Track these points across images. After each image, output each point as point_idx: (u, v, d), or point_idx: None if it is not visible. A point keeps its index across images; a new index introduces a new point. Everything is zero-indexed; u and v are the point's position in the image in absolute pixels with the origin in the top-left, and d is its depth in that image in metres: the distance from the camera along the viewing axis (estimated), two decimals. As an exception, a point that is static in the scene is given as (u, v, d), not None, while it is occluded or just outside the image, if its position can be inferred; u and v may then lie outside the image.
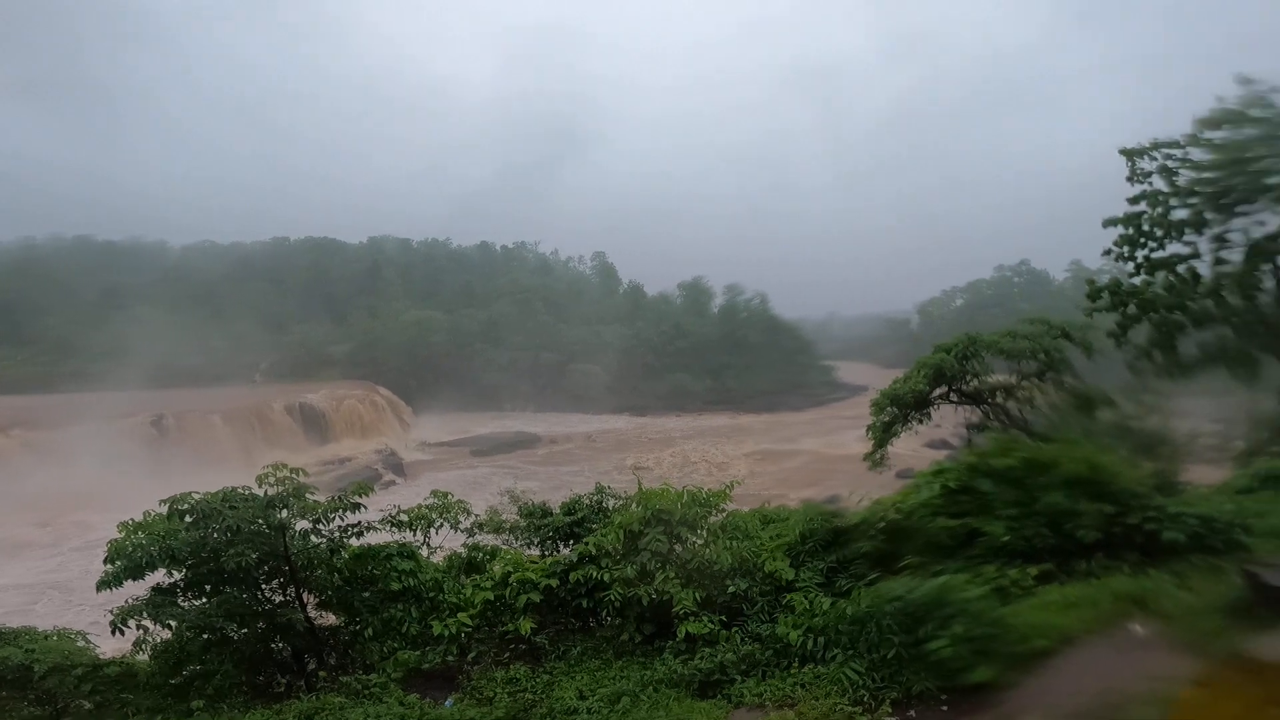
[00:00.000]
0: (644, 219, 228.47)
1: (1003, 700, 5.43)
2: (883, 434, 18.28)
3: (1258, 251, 14.36)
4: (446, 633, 7.85)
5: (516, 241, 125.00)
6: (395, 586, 8.42)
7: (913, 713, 5.70)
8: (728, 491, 8.67)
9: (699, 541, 8.19)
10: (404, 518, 8.96)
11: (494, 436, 67.47)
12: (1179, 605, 5.96)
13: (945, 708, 5.66)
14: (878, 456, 18.73)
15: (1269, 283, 14.59)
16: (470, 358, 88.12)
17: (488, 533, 9.62)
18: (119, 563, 7.37)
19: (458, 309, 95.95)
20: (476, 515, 9.68)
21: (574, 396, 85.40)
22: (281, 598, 8.40)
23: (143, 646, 7.77)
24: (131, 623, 7.47)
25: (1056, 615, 6.12)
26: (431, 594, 8.56)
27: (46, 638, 8.27)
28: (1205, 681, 4.13)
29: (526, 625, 7.70)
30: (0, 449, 44.16)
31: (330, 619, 8.75)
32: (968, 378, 17.83)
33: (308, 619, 8.30)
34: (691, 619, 7.26)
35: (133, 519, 7.82)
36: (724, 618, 7.36)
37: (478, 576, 8.62)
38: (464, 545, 9.46)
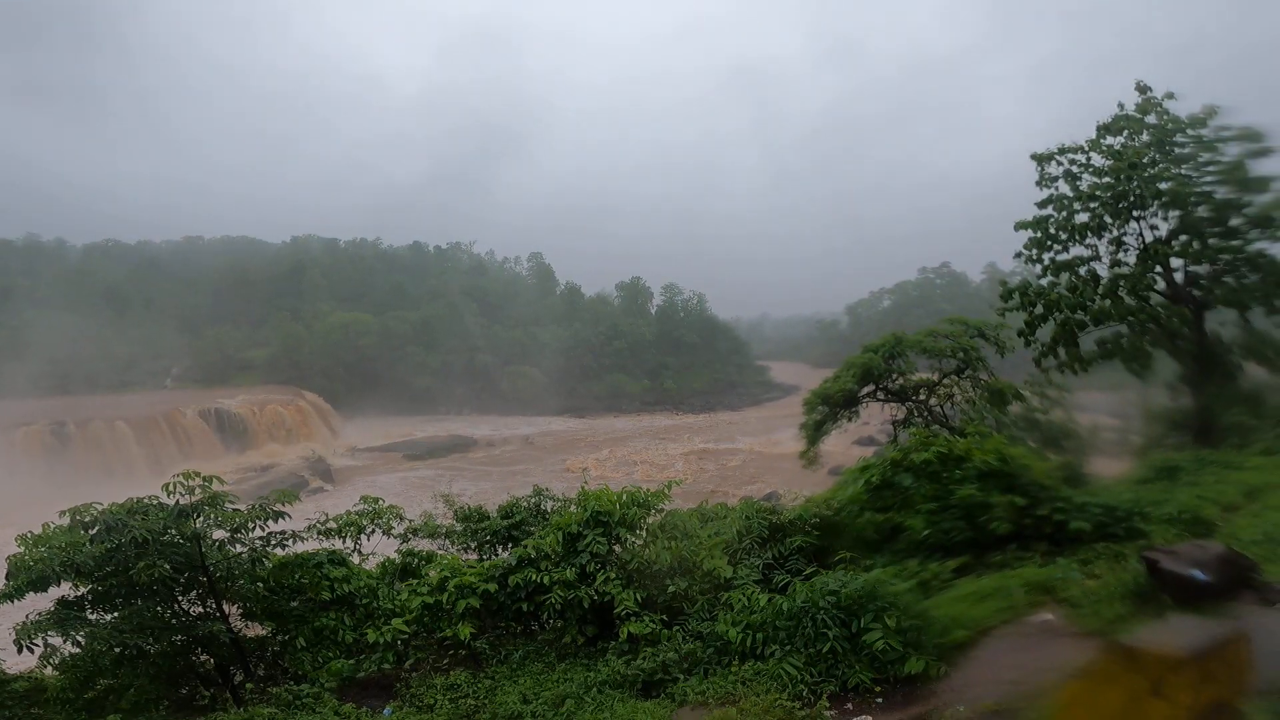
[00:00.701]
0: (581, 217, 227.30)
1: (932, 692, 5.67)
2: (814, 432, 18.80)
3: (1150, 254, 15.48)
4: (382, 640, 7.65)
5: (450, 242, 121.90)
6: (326, 595, 8.18)
7: (849, 705, 5.87)
8: (666, 491, 8.75)
9: (638, 542, 8.25)
10: (333, 525, 8.68)
11: (429, 441, 65.74)
12: (1085, 593, 6.34)
13: (880, 700, 5.85)
14: (811, 454, 19.27)
15: (1161, 284, 15.75)
16: (402, 361, 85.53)
17: (423, 538, 9.46)
18: (20, 577, 6.96)
19: (388, 311, 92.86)
20: (411, 520, 9.49)
21: (511, 399, 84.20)
22: (201, 609, 8.05)
23: (49, 661, 7.31)
24: (37, 638, 7.04)
25: (973, 607, 6.43)
26: (365, 601, 8.34)
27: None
28: (1090, 672, 4.25)
29: (466, 630, 7.58)
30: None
31: (258, 630, 8.42)
32: (893, 376, 18.52)
33: (230, 630, 7.96)
34: (633, 619, 7.31)
35: (32, 532, 7.38)
36: (665, 617, 7.44)
37: (414, 582, 8.43)
38: (398, 551, 9.25)
